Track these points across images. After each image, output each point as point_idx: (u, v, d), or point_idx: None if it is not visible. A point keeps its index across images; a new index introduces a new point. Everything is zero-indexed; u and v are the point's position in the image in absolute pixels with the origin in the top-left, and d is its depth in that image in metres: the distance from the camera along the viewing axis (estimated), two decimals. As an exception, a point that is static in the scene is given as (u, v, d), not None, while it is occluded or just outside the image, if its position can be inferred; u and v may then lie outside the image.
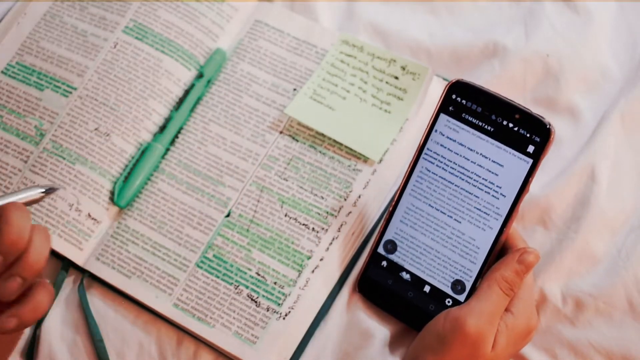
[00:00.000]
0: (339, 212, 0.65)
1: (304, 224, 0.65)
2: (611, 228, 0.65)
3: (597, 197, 0.65)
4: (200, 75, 0.71)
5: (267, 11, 0.74)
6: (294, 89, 0.70)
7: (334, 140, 0.67)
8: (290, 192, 0.66)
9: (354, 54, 0.71)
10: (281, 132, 0.69)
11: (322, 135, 0.68)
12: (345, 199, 0.65)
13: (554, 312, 0.63)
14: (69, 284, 0.66)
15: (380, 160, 0.67)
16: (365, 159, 0.67)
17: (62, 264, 0.66)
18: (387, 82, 0.69)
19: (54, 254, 0.67)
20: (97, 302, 0.65)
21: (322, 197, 0.66)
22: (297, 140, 0.68)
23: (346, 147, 0.67)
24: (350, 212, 0.65)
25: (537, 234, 0.65)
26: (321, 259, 0.64)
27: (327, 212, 0.65)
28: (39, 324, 0.65)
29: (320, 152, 0.67)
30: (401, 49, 0.73)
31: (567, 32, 0.71)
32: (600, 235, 0.64)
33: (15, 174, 0.68)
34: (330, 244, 0.64)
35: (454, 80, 0.59)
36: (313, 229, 0.65)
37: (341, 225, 0.65)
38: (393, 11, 0.75)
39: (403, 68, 0.69)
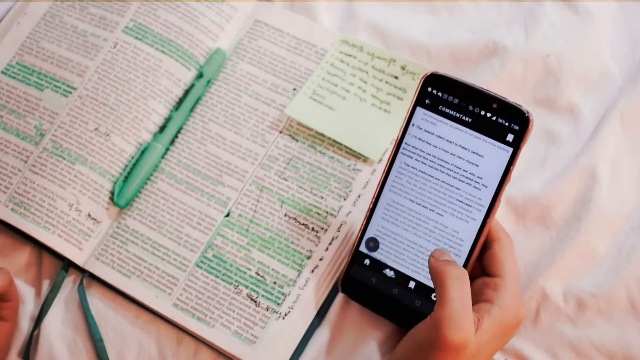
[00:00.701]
0: (338, 212, 0.65)
1: (303, 224, 0.65)
2: (612, 227, 0.65)
3: (598, 196, 0.65)
4: (200, 75, 0.71)
5: (267, 11, 0.74)
6: (294, 89, 0.70)
7: (334, 140, 0.67)
8: (290, 192, 0.66)
9: (354, 53, 0.71)
10: (281, 132, 0.69)
11: (322, 135, 0.68)
12: (345, 199, 0.65)
13: (555, 311, 0.63)
14: (68, 283, 0.66)
15: (380, 160, 0.66)
16: (365, 159, 0.67)
17: (62, 264, 0.66)
18: (386, 82, 0.69)
19: (54, 254, 0.67)
20: (97, 302, 0.65)
21: (322, 197, 0.66)
22: (297, 140, 0.68)
23: (346, 146, 0.67)
24: (350, 212, 0.65)
25: (538, 233, 0.65)
26: (321, 259, 0.64)
27: (327, 212, 0.65)
28: (37, 323, 0.65)
29: (319, 151, 0.67)
30: (401, 48, 0.73)
31: (567, 32, 0.71)
32: (602, 235, 0.64)
33: (15, 174, 0.68)
34: (330, 243, 0.64)
35: (428, 73, 0.58)
36: (312, 228, 0.65)
37: (341, 225, 0.65)
38: (393, 11, 0.75)
39: (403, 68, 0.69)
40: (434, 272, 0.54)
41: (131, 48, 0.71)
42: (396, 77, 0.69)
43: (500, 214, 0.66)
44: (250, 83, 0.71)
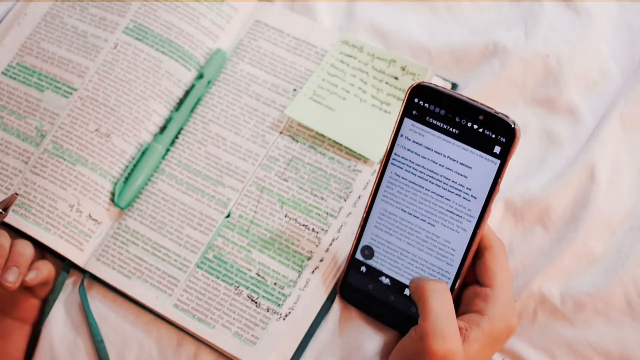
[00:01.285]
0: (338, 212, 0.65)
1: (303, 225, 0.65)
2: (610, 228, 0.65)
3: (596, 197, 0.65)
4: (200, 76, 0.71)
5: (267, 11, 0.74)
6: (294, 89, 0.70)
7: (334, 141, 0.68)
8: (290, 193, 0.66)
9: (354, 54, 0.71)
10: (281, 133, 0.69)
11: (322, 135, 0.68)
12: (345, 200, 0.66)
13: (552, 311, 0.63)
14: (69, 284, 0.67)
15: (380, 161, 0.67)
16: (365, 160, 0.67)
17: (63, 265, 0.67)
18: (386, 83, 0.69)
19: (54, 254, 0.67)
20: (98, 302, 0.65)
21: (322, 198, 0.66)
22: (297, 141, 0.68)
23: (346, 147, 0.67)
24: (350, 213, 0.65)
25: (537, 234, 0.65)
26: (321, 260, 0.64)
27: (327, 213, 0.65)
28: (38, 324, 0.65)
29: (320, 152, 0.67)
30: (401, 49, 0.73)
31: (567, 32, 0.71)
32: (599, 235, 0.65)
33: (16, 175, 0.68)
34: (330, 244, 0.64)
35: (415, 84, 0.57)
36: (313, 229, 0.65)
37: (341, 226, 0.65)
38: (393, 11, 0.75)
39: (403, 68, 0.69)
40: (413, 290, 0.55)
41: (131, 49, 0.71)
42: (396, 78, 0.69)
43: (499, 215, 0.66)
44: (250, 84, 0.71)
